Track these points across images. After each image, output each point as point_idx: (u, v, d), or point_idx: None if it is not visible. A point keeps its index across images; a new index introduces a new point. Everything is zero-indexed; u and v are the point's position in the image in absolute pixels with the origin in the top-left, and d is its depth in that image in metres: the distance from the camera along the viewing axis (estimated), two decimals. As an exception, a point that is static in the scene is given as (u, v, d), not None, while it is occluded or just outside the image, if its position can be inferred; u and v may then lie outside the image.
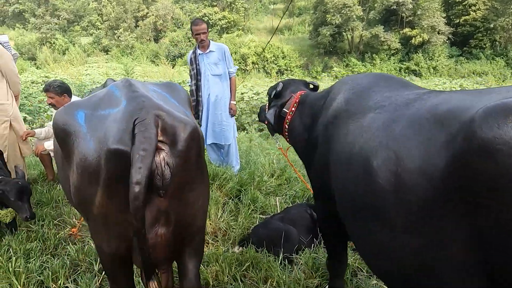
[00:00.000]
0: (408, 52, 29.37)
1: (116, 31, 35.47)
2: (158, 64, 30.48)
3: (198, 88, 4.60)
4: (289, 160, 3.43)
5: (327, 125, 2.01)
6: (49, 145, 4.29)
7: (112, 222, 1.73)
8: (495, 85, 21.67)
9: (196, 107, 4.65)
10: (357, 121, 1.76)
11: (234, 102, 4.69)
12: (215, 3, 36.53)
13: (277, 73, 31.00)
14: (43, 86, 4.39)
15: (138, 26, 36.27)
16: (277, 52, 31.58)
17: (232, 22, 36.55)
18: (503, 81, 24.35)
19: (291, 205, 3.76)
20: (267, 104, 3.12)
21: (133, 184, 1.50)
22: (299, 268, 2.72)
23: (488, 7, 28.18)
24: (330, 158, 1.90)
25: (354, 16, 29.04)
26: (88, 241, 3.23)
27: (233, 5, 36.52)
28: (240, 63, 31.04)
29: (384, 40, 29.05)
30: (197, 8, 37.07)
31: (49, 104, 4.29)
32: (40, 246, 3.06)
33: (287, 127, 2.67)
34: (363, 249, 1.70)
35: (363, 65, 29.61)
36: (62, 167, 2.09)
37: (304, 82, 2.90)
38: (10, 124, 4.14)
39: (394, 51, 29.46)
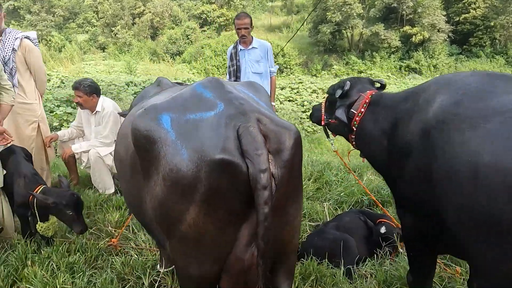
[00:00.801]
0: (408, 50, 29.28)
1: (113, 28, 34.96)
2: (158, 62, 30.13)
3: None
4: (346, 163, 3.23)
5: (429, 131, 1.80)
6: (77, 148, 4.05)
7: (207, 242, 1.52)
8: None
9: None
10: (479, 127, 1.56)
11: (274, 103, 4.48)
12: (213, 0, 36.13)
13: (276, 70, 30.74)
14: (73, 83, 4.15)
15: (135, 24, 35.80)
16: (277, 50, 31.29)
17: (230, 20, 36.17)
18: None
19: (338, 211, 3.58)
20: (323, 103, 2.94)
21: (261, 189, 1.35)
22: (370, 282, 2.53)
23: (488, 5, 28.14)
24: (437, 167, 1.70)
25: (355, 14, 28.84)
26: (131, 253, 3.01)
27: (231, 3, 36.16)
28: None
29: (384, 38, 28.92)
30: (195, 5, 36.64)
31: (76, 102, 4.06)
32: (83, 259, 2.84)
33: (354, 129, 2.48)
34: (496, 274, 1.51)
35: (363, 63, 29.47)
36: (132, 176, 1.88)
37: (370, 80, 2.71)
38: (38, 125, 3.91)
39: (394, 49, 29.34)
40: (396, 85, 20.62)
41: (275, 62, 4.46)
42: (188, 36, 33.40)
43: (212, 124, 1.47)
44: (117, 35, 34.57)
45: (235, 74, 4.37)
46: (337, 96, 2.61)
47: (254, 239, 1.53)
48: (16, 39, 3.72)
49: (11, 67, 3.70)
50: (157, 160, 1.53)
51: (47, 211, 2.87)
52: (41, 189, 2.88)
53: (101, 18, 36.75)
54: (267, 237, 1.43)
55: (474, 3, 28.47)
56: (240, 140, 1.41)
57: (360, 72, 28.77)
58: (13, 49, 3.70)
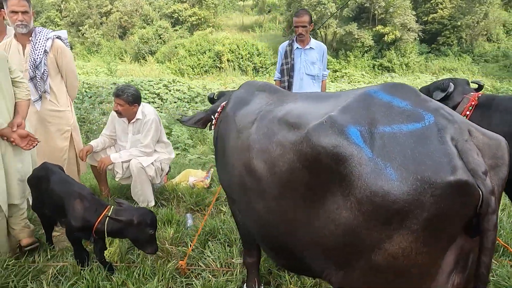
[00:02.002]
0: (381, 49, 29.95)
1: (80, 28, 33.55)
2: (130, 62, 29.18)
3: (290, 85, 4.15)
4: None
5: None
6: (116, 158, 3.69)
7: (412, 274, 1.33)
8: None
9: None
10: None
11: None
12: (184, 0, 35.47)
13: (252, 70, 30.67)
14: (114, 90, 3.79)
15: (104, 23, 34.52)
16: (252, 50, 31.18)
17: (202, 19, 35.66)
18: (472, 76, 25.38)
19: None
20: None
21: (491, 213, 1.21)
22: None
23: (454, 5, 29.28)
24: None
25: (329, 13, 29.17)
26: (202, 275, 2.75)
27: (203, 2, 35.60)
28: (214, 60, 30.40)
29: (357, 37, 29.45)
30: (166, 4, 35.80)
31: (115, 110, 3.71)
32: (163, 285, 2.55)
33: None
34: None
35: (337, 62, 29.87)
36: (281, 195, 1.64)
37: (467, 81, 2.61)
38: (70, 134, 3.54)
39: (368, 48, 29.93)
40: (375, 83, 20.96)
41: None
42: (161, 36, 32.57)
43: (421, 138, 1.28)
44: (84, 34, 33.22)
45: (288, 73, 4.14)
46: (437, 99, 2.48)
47: (455, 267, 1.37)
48: (47, 39, 3.33)
49: (42, 71, 3.31)
50: (347, 181, 1.32)
51: (119, 235, 2.55)
52: (112, 210, 2.56)
53: (65, 17, 35.18)
54: (492, 251, 1.29)
55: (441, 3, 29.54)
56: (462, 157, 1.24)
57: (335, 71, 29.16)
58: (45, 51, 3.32)
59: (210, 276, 2.71)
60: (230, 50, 30.67)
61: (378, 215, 1.27)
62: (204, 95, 13.47)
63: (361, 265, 1.38)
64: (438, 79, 2.71)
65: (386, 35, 29.01)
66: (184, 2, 35.41)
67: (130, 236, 2.54)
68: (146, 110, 3.77)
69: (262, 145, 1.71)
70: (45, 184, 2.75)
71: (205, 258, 2.92)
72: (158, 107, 12.26)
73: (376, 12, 29.58)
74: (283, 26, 34.20)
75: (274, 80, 4.41)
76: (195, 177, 4.29)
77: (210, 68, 30.45)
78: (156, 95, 12.69)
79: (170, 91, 13.76)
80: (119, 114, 3.70)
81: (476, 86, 2.61)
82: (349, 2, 29.88)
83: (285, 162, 1.57)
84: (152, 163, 3.74)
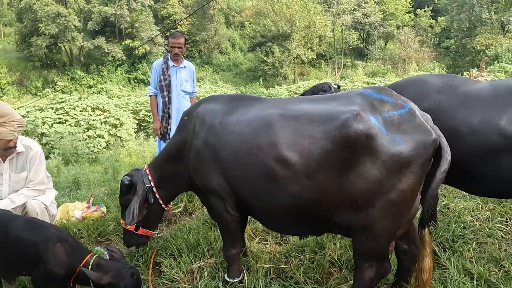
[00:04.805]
0: (133, 62, 30.59)
1: None
2: None
3: (169, 100, 4.30)
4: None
5: None
6: (8, 205, 2.97)
7: (412, 202, 2.18)
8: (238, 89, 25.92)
9: (168, 120, 4.31)
10: None
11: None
12: None
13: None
14: None
15: None
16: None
17: None
18: (216, 83, 29.53)
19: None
20: None
21: (446, 154, 2.07)
22: None
23: (190, 22, 33.16)
24: None
25: (72, 27, 27.44)
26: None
27: None
28: None
29: (107, 51, 29.02)
30: None
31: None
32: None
33: None
34: None
35: (91, 78, 28.56)
36: (319, 172, 2.18)
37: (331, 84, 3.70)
38: None
39: (120, 61, 29.98)
40: (134, 95, 20.79)
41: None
42: None
43: (408, 118, 2.12)
44: None
45: (167, 89, 4.26)
46: None
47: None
48: None
49: None
50: (374, 150, 1.99)
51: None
52: (93, 259, 2.25)
53: None
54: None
55: (179, 20, 32.88)
56: (430, 126, 2.18)
57: (90, 86, 27.82)
58: None
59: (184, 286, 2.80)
60: None
61: (396, 167, 2.04)
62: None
63: (380, 203, 2.10)
64: (319, 83, 3.68)
65: (136, 49, 29.85)
66: None
67: None
68: (29, 143, 3.09)
69: (291, 139, 2.18)
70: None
71: (167, 275, 2.94)
72: None
73: (122, 26, 29.92)
74: (16, 39, 29.65)
75: (150, 96, 4.46)
76: (78, 209, 3.81)
77: None
78: None
79: None
80: (8, 149, 2.92)
81: (336, 86, 3.76)
82: (92, 16, 28.97)
83: (319, 148, 2.11)
84: (52, 201, 3.18)
